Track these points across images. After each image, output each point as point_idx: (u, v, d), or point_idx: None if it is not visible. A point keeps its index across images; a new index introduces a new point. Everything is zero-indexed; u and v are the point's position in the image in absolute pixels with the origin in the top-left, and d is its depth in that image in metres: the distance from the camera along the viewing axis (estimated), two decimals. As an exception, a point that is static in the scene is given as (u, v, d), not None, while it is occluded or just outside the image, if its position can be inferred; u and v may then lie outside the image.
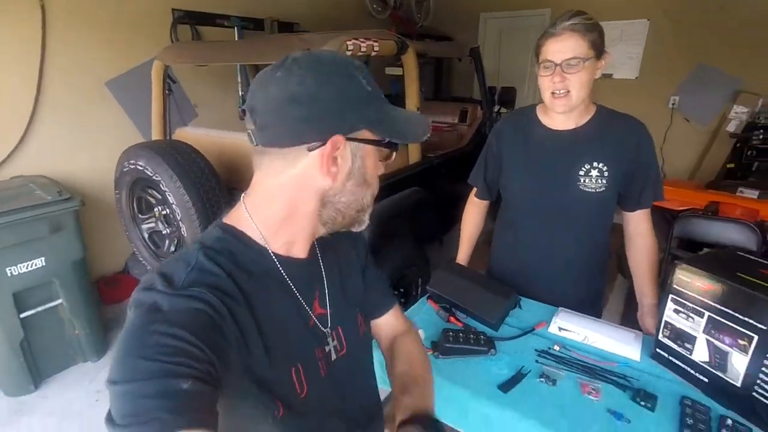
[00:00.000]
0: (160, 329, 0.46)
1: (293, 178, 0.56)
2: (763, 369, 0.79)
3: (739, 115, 3.62)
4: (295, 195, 0.58)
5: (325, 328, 0.66)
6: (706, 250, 2.63)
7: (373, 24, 4.55)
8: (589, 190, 1.17)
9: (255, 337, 0.55)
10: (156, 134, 2.48)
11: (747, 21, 3.63)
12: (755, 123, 3.46)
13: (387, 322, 0.84)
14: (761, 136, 3.12)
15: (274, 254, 0.60)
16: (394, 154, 0.63)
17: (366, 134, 0.57)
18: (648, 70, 4.19)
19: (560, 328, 1.13)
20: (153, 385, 0.42)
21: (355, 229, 0.65)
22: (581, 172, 1.18)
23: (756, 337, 0.79)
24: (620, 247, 1.36)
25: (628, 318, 1.93)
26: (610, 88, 4.43)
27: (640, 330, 1.18)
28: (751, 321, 0.80)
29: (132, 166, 1.92)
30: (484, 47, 5.01)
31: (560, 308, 1.21)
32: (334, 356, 0.67)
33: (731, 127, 3.63)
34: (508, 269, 1.39)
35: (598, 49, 1.08)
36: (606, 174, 1.17)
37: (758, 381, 0.80)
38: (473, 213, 1.49)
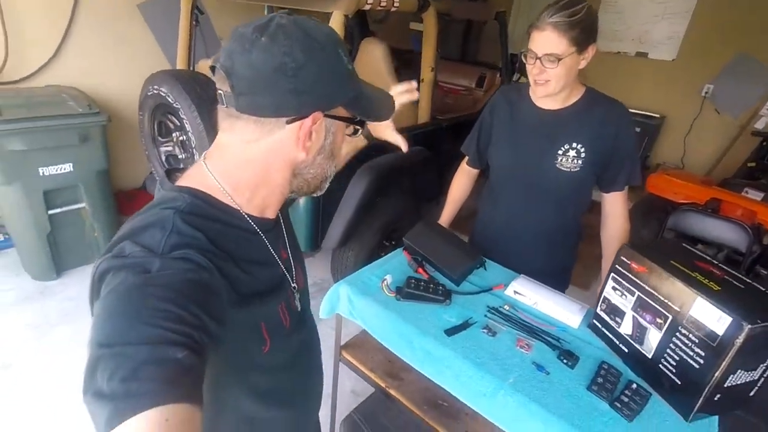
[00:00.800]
0: (155, 293, 0.44)
1: (267, 147, 0.56)
2: (671, 345, 0.90)
3: (771, 113, 3.49)
4: (267, 164, 0.58)
5: (290, 269, 0.72)
6: (700, 246, 2.69)
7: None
8: (565, 169, 1.25)
9: (246, 285, 0.57)
10: (180, 63, 2.56)
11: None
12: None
13: None
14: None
15: (248, 215, 0.60)
16: (360, 131, 0.65)
17: (341, 111, 0.59)
18: (686, 54, 4.00)
19: (515, 291, 1.25)
20: (149, 350, 0.40)
21: (316, 194, 0.67)
22: (560, 152, 1.25)
23: (670, 317, 0.90)
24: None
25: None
26: (643, 67, 4.26)
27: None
28: (669, 303, 0.90)
29: (156, 91, 2.03)
30: (518, 12, 4.81)
31: (521, 275, 1.33)
32: (297, 290, 0.73)
33: (760, 124, 3.52)
34: (486, 233, 1.51)
35: (580, 44, 1.11)
36: (583, 155, 1.23)
37: (665, 355, 0.91)
38: (462, 179, 1.57)
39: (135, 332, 0.41)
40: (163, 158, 2.25)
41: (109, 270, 0.46)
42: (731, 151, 3.89)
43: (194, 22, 2.49)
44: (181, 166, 2.19)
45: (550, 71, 1.13)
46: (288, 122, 0.54)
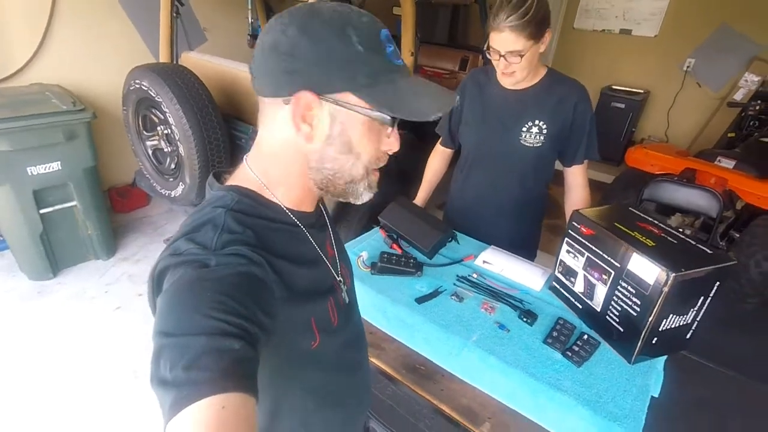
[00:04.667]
0: (213, 286, 0.45)
1: (280, 135, 0.56)
2: (614, 298, 0.98)
3: (749, 84, 3.55)
4: (286, 155, 0.57)
5: (337, 266, 0.72)
6: (677, 215, 2.78)
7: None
8: (528, 144, 1.33)
9: (297, 279, 0.58)
10: (163, 57, 2.60)
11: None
12: (765, 93, 3.39)
13: None
14: (757, 107, 3.09)
15: (288, 209, 0.60)
16: (390, 128, 0.58)
17: (350, 98, 0.52)
18: (668, 29, 4.05)
19: (484, 261, 1.33)
20: (207, 341, 0.42)
21: (353, 201, 0.63)
22: (524, 129, 1.33)
23: (613, 273, 0.98)
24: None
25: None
26: (626, 44, 4.30)
27: None
28: (611, 260, 0.98)
29: (137, 86, 2.08)
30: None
31: (491, 246, 1.41)
32: (344, 288, 0.73)
33: (738, 96, 3.57)
34: (457, 207, 1.59)
35: (536, 36, 1.18)
36: (545, 131, 1.32)
37: (610, 307, 1.00)
38: (437, 159, 1.65)
39: (195, 323, 0.43)
40: (150, 152, 2.31)
41: (168, 267, 0.49)
42: (712, 122, 3.96)
43: (175, 14, 2.52)
44: (168, 159, 2.25)
45: (515, 65, 1.22)
46: (285, 102, 0.53)
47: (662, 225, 1.02)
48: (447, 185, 1.68)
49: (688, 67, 4.02)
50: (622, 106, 4.17)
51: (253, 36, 3.60)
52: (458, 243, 1.44)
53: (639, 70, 4.30)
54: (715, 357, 1.38)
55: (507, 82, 1.30)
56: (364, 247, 1.38)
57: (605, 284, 1.01)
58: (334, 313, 0.66)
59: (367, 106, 0.53)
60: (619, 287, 0.96)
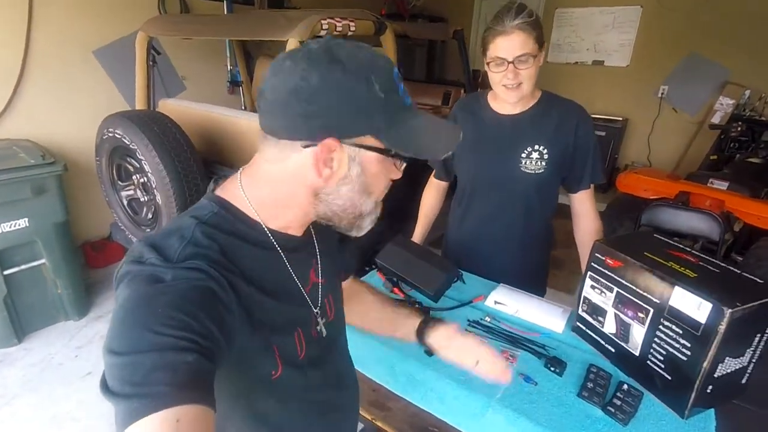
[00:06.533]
0: (165, 301, 0.45)
1: (286, 169, 0.56)
2: (656, 339, 0.86)
3: (724, 107, 3.64)
4: (288, 187, 0.57)
5: (319, 297, 0.69)
6: (676, 239, 2.72)
7: (365, 3, 4.52)
8: (530, 171, 1.24)
9: (258, 303, 0.56)
10: (139, 104, 2.51)
11: (734, 15, 3.62)
12: (741, 115, 3.48)
13: (346, 284, 0.89)
14: (739, 128, 3.14)
15: (269, 230, 0.60)
16: (404, 164, 0.60)
17: (370, 141, 0.54)
18: (639, 59, 4.19)
19: (495, 302, 1.21)
20: (158, 357, 0.42)
21: (354, 234, 0.63)
22: (523, 154, 1.24)
23: (651, 310, 0.87)
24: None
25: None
26: (600, 75, 4.43)
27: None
28: (648, 295, 0.87)
29: (111, 134, 1.97)
30: (477, 29, 4.98)
31: (501, 284, 1.29)
32: (324, 321, 0.70)
33: (716, 119, 3.66)
34: (457, 242, 1.48)
35: (541, 43, 1.14)
36: (546, 156, 1.23)
37: (651, 350, 0.88)
38: (431, 194, 1.55)
39: (145, 341, 0.43)
40: (125, 203, 2.17)
41: (128, 274, 0.49)
42: (693, 146, 4.03)
43: (151, 63, 2.46)
44: (144, 208, 2.11)
45: (524, 72, 1.14)
46: (303, 146, 0.53)
47: (696, 253, 0.92)
48: (439, 221, 1.57)
49: (662, 93, 4.13)
50: (603, 133, 4.22)
51: (233, 83, 3.58)
52: (464, 282, 1.32)
53: (615, 99, 4.41)
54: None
55: (512, 97, 1.20)
56: (362, 294, 1.24)
57: (642, 324, 0.89)
58: (301, 344, 0.64)
59: (384, 146, 0.54)
60: (661, 327, 0.84)
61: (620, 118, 4.31)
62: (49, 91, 2.66)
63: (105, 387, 0.42)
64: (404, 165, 0.60)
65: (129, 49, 2.68)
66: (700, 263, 0.88)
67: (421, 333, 0.82)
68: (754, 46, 3.57)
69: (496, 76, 1.18)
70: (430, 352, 0.83)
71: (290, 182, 0.56)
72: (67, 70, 2.71)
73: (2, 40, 2.43)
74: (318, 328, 0.68)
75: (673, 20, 3.90)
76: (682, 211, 2.30)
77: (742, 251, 2.49)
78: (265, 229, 0.59)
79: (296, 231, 0.63)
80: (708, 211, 2.23)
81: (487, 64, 1.19)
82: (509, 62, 1.13)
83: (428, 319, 0.83)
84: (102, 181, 2.19)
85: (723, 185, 2.59)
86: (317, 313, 0.68)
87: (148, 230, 2.14)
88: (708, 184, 2.64)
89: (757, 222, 2.37)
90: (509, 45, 1.11)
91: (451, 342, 0.80)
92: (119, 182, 2.15)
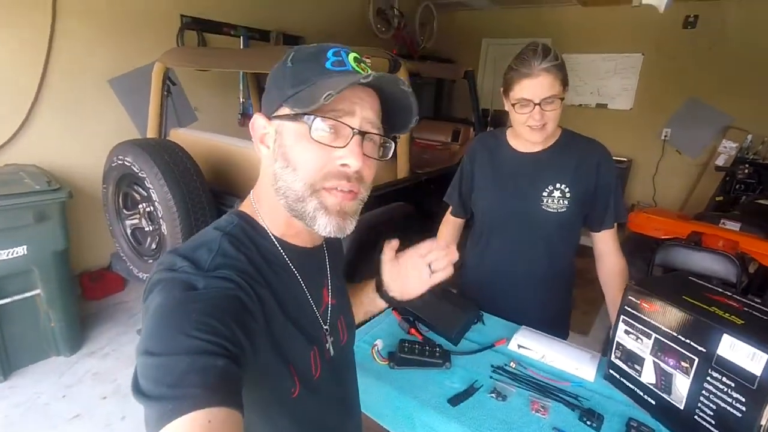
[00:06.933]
0: (198, 308, 0.47)
1: (263, 168, 0.62)
2: (703, 392, 0.80)
3: (728, 150, 3.68)
4: (263, 176, 0.62)
5: (332, 317, 0.69)
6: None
7: (376, 43, 4.66)
8: (551, 210, 1.21)
9: (279, 317, 0.57)
10: (151, 133, 2.52)
11: (734, 62, 3.72)
12: (744, 158, 3.52)
13: None
14: (746, 170, 3.16)
15: (278, 240, 0.61)
16: (309, 127, 0.54)
17: (283, 110, 0.57)
18: (641, 103, 4.28)
19: (519, 346, 1.14)
20: (191, 360, 0.43)
21: (316, 229, 0.57)
22: (544, 193, 1.21)
23: (696, 360, 0.80)
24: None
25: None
26: (605, 118, 4.51)
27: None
28: (692, 343, 0.81)
29: (120, 162, 1.95)
30: (484, 71, 5.10)
31: (523, 326, 1.22)
32: (337, 344, 0.70)
33: (720, 161, 3.69)
34: (475, 282, 1.41)
35: (566, 83, 1.14)
36: (568, 195, 1.20)
37: (699, 404, 0.81)
38: (448, 230, 1.51)
39: (178, 344, 0.44)
40: (129, 232, 2.12)
41: (161, 282, 0.50)
42: (698, 187, 4.04)
43: (166, 93, 2.49)
44: (148, 238, 2.06)
45: (550, 113, 1.14)
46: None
47: (737, 296, 0.87)
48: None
49: (665, 136, 4.19)
50: (609, 173, 4.24)
51: (244, 115, 3.62)
52: (483, 324, 1.26)
53: (619, 141, 4.47)
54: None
55: (537, 137, 1.19)
56: (376, 335, 1.18)
57: (687, 374, 0.82)
58: (316, 363, 0.63)
59: (292, 112, 0.55)
60: (709, 378, 0.78)
61: (625, 159, 4.35)
62: (61, 117, 2.68)
63: (137, 389, 0.43)
64: (351, 144, 0.54)
65: (144, 79, 2.73)
66: (745, 309, 0.82)
67: (379, 287, 0.81)
68: (755, 92, 3.65)
69: (521, 117, 1.17)
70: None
71: (263, 171, 0.61)
72: (80, 97, 2.74)
73: (20, 67, 2.47)
74: (328, 346, 0.67)
75: (673, 67, 4.01)
76: (697, 252, 2.25)
77: (759, 293, 2.43)
78: (271, 236, 0.60)
79: (304, 242, 0.64)
80: (724, 252, 2.19)
81: (512, 105, 1.17)
82: (536, 104, 1.12)
83: (378, 272, 0.82)
84: (107, 209, 2.15)
85: (735, 226, 2.56)
86: (326, 330, 0.67)
87: (150, 261, 2.08)
88: (720, 225, 2.61)
89: (775, 264, 2.32)
90: (536, 87, 1.11)
91: (399, 271, 0.79)
92: (124, 211, 2.11)
